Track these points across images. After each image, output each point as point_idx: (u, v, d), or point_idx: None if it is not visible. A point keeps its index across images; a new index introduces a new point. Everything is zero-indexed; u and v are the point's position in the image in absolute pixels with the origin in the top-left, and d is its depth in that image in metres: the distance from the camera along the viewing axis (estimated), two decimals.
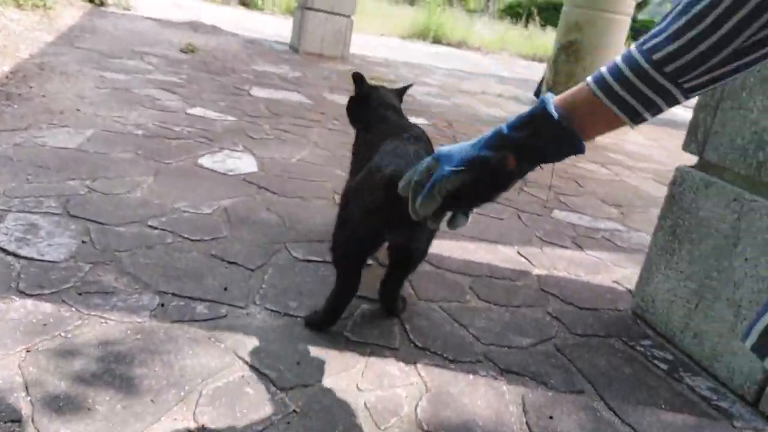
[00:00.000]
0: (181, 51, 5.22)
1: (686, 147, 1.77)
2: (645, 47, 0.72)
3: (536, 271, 2.07)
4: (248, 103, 3.77)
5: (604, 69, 0.77)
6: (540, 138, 0.80)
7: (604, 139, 4.74)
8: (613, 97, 0.75)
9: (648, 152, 4.67)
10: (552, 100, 0.80)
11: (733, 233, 1.55)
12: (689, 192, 1.71)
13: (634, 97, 0.74)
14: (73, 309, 1.35)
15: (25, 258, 1.52)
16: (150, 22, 6.84)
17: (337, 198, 2.41)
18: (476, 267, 2.00)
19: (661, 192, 3.53)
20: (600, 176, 3.60)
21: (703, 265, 1.63)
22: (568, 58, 4.43)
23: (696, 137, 1.73)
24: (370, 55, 7.80)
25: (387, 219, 1.36)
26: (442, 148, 0.88)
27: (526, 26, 16.21)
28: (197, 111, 3.34)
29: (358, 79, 1.93)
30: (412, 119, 4.20)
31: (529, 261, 2.14)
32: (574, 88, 0.79)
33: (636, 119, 0.76)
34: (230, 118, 3.34)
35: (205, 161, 2.54)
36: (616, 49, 4.42)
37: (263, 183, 2.42)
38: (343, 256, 1.48)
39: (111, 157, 2.37)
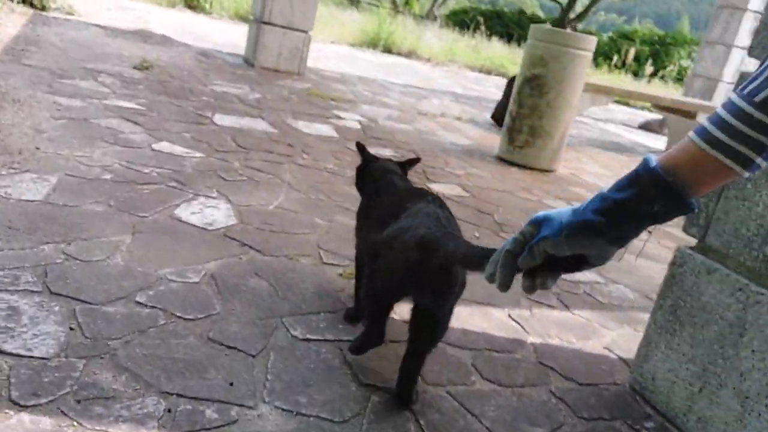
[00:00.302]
0: (135, 68, 5.00)
1: (686, 230, 1.80)
2: (745, 91, 0.73)
3: (531, 340, 2.06)
4: (213, 134, 3.64)
5: (704, 121, 0.76)
6: (646, 198, 0.78)
7: (564, 170, 4.83)
8: (719, 147, 0.74)
9: (605, 183, 4.76)
10: (655, 158, 0.78)
11: (739, 323, 1.58)
12: (690, 275, 1.73)
13: (741, 143, 0.73)
14: (75, 423, 1.25)
15: (12, 355, 1.40)
16: (96, 30, 6.54)
17: (323, 254, 2.35)
18: (474, 338, 1.98)
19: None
20: None
21: (707, 351, 1.66)
22: (532, 92, 4.48)
23: (697, 221, 1.75)
24: (324, 69, 7.71)
25: (415, 278, 1.44)
26: (538, 213, 0.88)
27: (473, 35, 16.43)
28: (163, 146, 3.20)
29: (361, 148, 1.98)
30: (379, 150, 4.17)
31: (522, 327, 2.13)
32: (677, 146, 0.78)
33: (748, 166, 0.75)
34: (198, 154, 3.21)
35: (182, 213, 2.43)
36: (579, 82, 4.50)
37: (246, 239, 2.32)
38: (372, 304, 1.58)
39: (82, 211, 2.23)
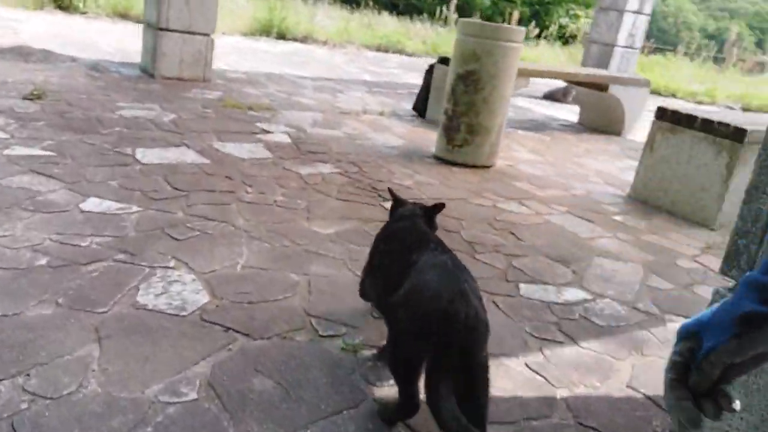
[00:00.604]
0: (26, 98, 4.43)
1: (725, 272, 1.72)
2: None
3: (560, 393, 1.94)
4: (142, 177, 3.25)
5: None
6: None
7: (500, 163, 4.76)
8: None
9: (542, 173, 4.76)
10: None
11: None
12: None
13: None
14: None
15: None
16: None
17: (315, 323, 2.12)
18: (506, 407, 1.83)
19: (587, 232, 3.59)
20: (526, 219, 3.58)
21: (764, 399, 1.59)
22: (467, 88, 4.36)
23: (738, 264, 1.68)
24: (228, 69, 7.25)
25: (437, 345, 1.49)
26: (686, 324, 0.77)
27: (363, 11, 16.15)
28: (92, 204, 2.81)
29: (391, 192, 2.21)
30: (320, 166, 3.92)
31: (545, 379, 2.01)
32: None
33: None
34: (134, 208, 2.84)
35: (145, 297, 2.11)
36: (512, 75, 4.42)
37: (227, 320, 2.05)
38: (399, 371, 1.62)
39: (29, 321, 1.87)
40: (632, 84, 6.57)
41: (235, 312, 2.12)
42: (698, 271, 3.18)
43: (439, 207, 2.07)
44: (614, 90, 6.46)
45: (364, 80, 8.37)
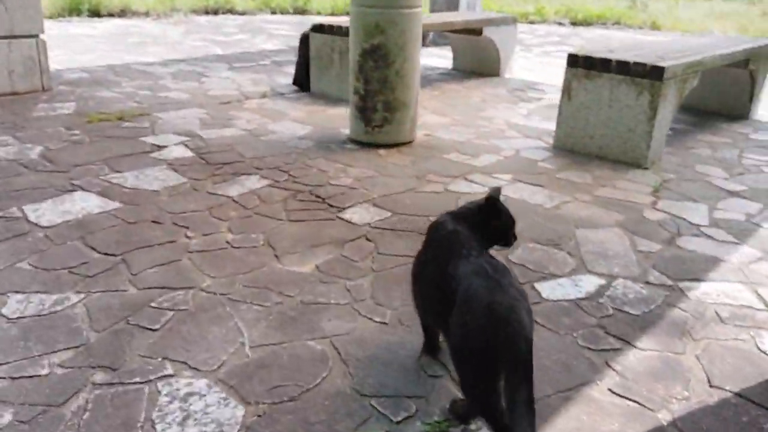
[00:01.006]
0: None
1: None
2: None
3: (662, 417, 1.81)
4: (55, 247, 2.63)
5: None
6: None
7: (419, 134, 4.51)
8: None
9: (462, 137, 4.59)
10: None
11: None
12: None
13: None
14: None
15: None
16: None
17: (377, 404, 1.82)
18: None
19: (548, 200, 3.47)
20: None
21: None
22: (377, 64, 4.01)
23: None
24: (61, 68, 6.26)
25: (501, 353, 1.45)
26: None
27: None
28: (18, 305, 2.21)
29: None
30: (244, 181, 3.47)
31: (636, 403, 1.86)
32: None
33: None
34: (72, 296, 2.28)
35: None
36: (419, 42, 4.14)
37: None
38: (483, 400, 1.53)
39: None
40: (504, 23, 6.55)
41: (284, 419, 1.73)
42: (667, 221, 3.21)
43: (491, 202, 1.86)
44: (488, 32, 6.40)
45: (218, 55, 7.63)
